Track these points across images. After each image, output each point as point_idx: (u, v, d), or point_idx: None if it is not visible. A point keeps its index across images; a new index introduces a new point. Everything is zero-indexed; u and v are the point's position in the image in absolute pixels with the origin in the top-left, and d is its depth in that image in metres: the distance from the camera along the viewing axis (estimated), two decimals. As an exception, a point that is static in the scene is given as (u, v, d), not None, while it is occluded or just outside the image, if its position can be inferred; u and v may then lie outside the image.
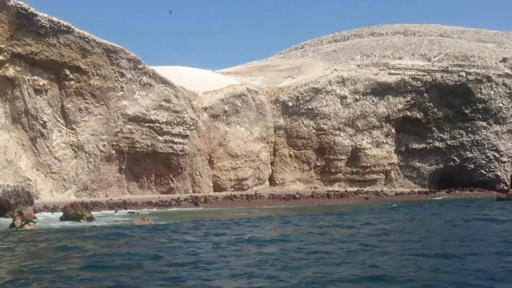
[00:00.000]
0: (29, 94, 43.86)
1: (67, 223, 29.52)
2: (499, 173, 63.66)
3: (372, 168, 63.36)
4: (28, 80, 43.68)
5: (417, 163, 65.02)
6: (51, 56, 44.25)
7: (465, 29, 79.78)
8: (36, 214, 33.26)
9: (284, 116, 61.27)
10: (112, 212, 38.99)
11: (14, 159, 42.92)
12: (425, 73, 64.12)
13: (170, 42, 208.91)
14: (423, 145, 64.74)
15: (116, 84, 48.03)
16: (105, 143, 47.70)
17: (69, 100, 46.17)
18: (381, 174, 64.02)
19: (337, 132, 61.93)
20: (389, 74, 64.15)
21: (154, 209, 41.90)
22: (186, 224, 28.49)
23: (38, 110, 44.43)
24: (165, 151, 50.80)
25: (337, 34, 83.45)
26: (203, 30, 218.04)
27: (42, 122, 44.57)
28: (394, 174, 65.00)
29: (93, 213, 34.16)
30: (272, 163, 61.36)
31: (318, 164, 61.94)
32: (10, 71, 42.46)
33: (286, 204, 48.40)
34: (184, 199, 47.17)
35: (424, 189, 62.58)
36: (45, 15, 43.26)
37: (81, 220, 29.56)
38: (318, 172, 62.28)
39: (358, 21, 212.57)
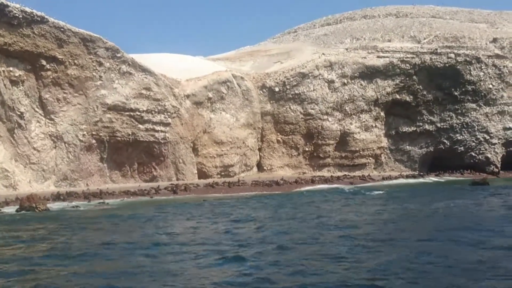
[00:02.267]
0: (4, 85, 43.17)
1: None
2: (489, 155, 62.38)
3: (361, 152, 62.42)
4: (3, 71, 42.98)
5: (408, 147, 63.95)
6: (26, 47, 43.53)
7: (458, 10, 78.03)
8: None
9: (271, 101, 60.45)
10: (83, 203, 38.45)
11: (-9, 150, 42.46)
12: (414, 56, 62.78)
13: (161, 28, 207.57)
14: (413, 128, 63.62)
15: (94, 73, 47.30)
16: (85, 132, 47.08)
17: (47, 91, 45.50)
18: (370, 158, 63.07)
19: (325, 117, 61.06)
20: (378, 57, 62.92)
21: (130, 199, 41.36)
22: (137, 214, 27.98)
23: (14, 101, 43.82)
24: (147, 140, 50.12)
25: (330, 17, 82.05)
26: (196, 16, 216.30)
27: (19, 113, 43.98)
28: (385, 158, 64.00)
29: (59, 203, 34.09)
30: (260, 149, 60.71)
31: (307, 149, 61.19)
32: (-16, 63, 41.84)
33: (268, 191, 47.67)
34: (164, 187, 46.56)
35: (413, 173, 61.40)
36: (17, 5, 42.46)
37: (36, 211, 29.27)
38: (307, 157, 61.50)
39: (353, 3, 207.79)
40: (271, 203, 34.43)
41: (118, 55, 48.59)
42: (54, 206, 36.05)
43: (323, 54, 62.84)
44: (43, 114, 45.62)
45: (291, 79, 60.32)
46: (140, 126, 49.61)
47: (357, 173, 60.71)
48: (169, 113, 51.14)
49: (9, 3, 41.83)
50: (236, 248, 16.99)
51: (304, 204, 33.29)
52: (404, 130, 63.62)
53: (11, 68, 43.54)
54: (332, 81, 61.41)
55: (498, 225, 20.15)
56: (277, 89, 60.09)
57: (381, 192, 41.81)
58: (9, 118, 43.60)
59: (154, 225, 23.95)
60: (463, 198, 33.49)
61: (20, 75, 43.99)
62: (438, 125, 63.03)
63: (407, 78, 62.70)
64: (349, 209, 29.11)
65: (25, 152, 44.47)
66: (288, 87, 60.20)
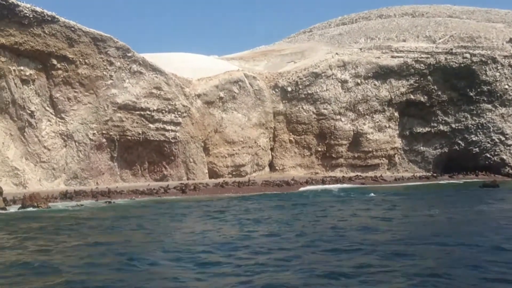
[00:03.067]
0: (15, 84, 43.27)
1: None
2: (504, 157, 61.03)
3: (374, 152, 61.60)
4: (14, 70, 43.04)
5: (422, 147, 62.92)
6: (37, 46, 43.53)
7: (475, 9, 76.49)
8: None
9: (284, 101, 59.98)
10: (90, 201, 38.26)
11: (1, 149, 42.53)
12: (429, 56, 61.71)
13: (178, 28, 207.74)
14: (427, 129, 62.55)
15: (105, 72, 47.20)
16: (95, 131, 47.00)
17: (58, 90, 45.47)
18: (383, 159, 62.18)
19: (338, 117, 60.43)
20: (392, 57, 61.99)
21: (138, 198, 41.04)
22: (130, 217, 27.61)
23: (25, 100, 43.87)
24: (157, 139, 49.93)
25: (346, 17, 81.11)
26: (212, 16, 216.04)
27: (29, 111, 44.03)
28: (398, 158, 63.04)
29: (66, 202, 34.20)
30: (272, 149, 60.27)
31: (319, 149, 60.61)
32: (-6, 62, 41.89)
33: (278, 190, 47.12)
34: (173, 187, 46.18)
35: (426, 174, 60.34)
36: (28, 5, 42.47)
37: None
38: (319, 158, 60.92)
39: (370, 2, 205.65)
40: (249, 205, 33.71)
41: (129, 54, 48.44)
42: (60, 205, 35.98)
43: (337, 54, 62.16)
44: (53, 113, 45.62)
45: (304, 79, 59.78)
46: (151, 125, 49.42)
47: (370, 173, 59.86)
48: (179, 113, 50.89)
49: (19, 3, 41.84)
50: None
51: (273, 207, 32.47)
52: (418, 131, 62.61)
53: (22, 67, 43.60)
54: (346, 81, 60.71)
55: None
56: (289, 89, 59.60)
57: (373, 195, 39.78)
58: (20, 117, 43.68)
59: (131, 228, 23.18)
60: (463, 203, 32.11)
61: (31, 74, 44.02)
62: (453, 125, 61.89)
63: (422, 78, 61.67)
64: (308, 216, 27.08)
65: (36, 151, 44.51)
66: (301, 87, 59.70)
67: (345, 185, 50.57)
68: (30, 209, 31.55)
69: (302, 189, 47.75)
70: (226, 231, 21.57)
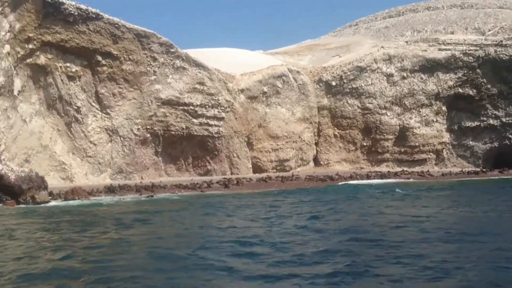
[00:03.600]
0: (62, 80, 44.01)
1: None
2: (557, 151, 58.60)
3: (421, 147, 60.20)
4: (60, 67, 43.77)
5: (471, 142, 61.03)
6: (82, 43, 44.12)
7: (528, 0, 73.64)
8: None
9: (328, 95, 59.39)
10: (134, 196, 38.44)
11: (49, 144, 43.29)
12: (478, 48, 59.77)
13: (224, 24, 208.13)
14: (476, 123, 60.60)
15: (148, 68, 47.51)
16: (139, 126, 47.41)
17: (103, 85, 46.04)
18: (431, 153, 60.63)
19: (384, 111, 59.39)
20: (439, 50, 60.34)
21: (181, 192, 41.00)
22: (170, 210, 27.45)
23: (71, 96, 44.56)
24: (201, 134, 50.05)
25: (393, 9, 79.33)
26: (258, 10, 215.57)
27: (76, 107, 44.71)
28: (446, 153, 61.32)
29: (110, 197, 34.62)
30: (316, 144, 59.72)
31: (365, 144, 59.76)
32: (42, 59, 42.64)
33: (322, 185, 46.44)
34: (217, 181, 46.04)
35: (475, 169, 58.45)
36: (73, 3, 43.05)
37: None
38: (365, 152, 60.07)
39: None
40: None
41: (172, 50, 48.60)
42: (104, 198, 36.28)
43: (382, 47, 60.95)
44: (99, 109, 46.18)
45: (349, 73, 58.98)
46: (194, 120, 49.52)
47: (417, 168, 58.47)
48: (222, 108, 50.84)
49: (64, 1, 42.40)
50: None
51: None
52: (467, 125, 60.76)
53: (68, 64, 44.25)
54: (391, 75, 59.54)
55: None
56: (334, 83, 58.93)
57: (400, 191, 36.87)
58: (67, 113, 44.40)
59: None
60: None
61: (76, 70, 44.67)
62: (503, 119, 59.80)
63: (470, 71, 59.80)
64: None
65: (82, 146, 45.20)
66: (345, 81, 58.95)
67: (390, 180, 49.43)
68: (71, 202, 31.85)
69: (341, 183, 46.90)
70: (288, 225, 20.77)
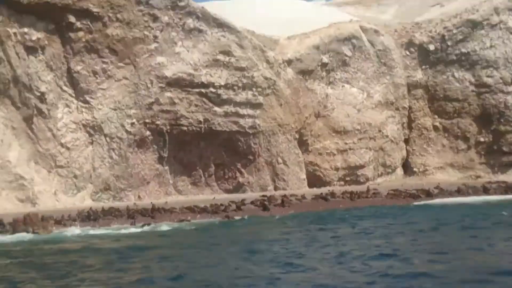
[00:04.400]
0: (17, 54, 43.84)
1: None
2: None
3: None
4: (14, 34, 43.65)
5: None
6: (46, -3, 44.07)
7: None
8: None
9: (423, 67, 59.93)
10: (124, 226, 37.66)
11: (-1, 148, 43.26)
12: None
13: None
14: None
15: (146, 32, 47.41)
16: (134, 120, 47.23)
17: (78, 60, 45.89)
18: None
19: (511, 89, 58.83)
20: None
21: (196, 220, 39.86)
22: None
23: (32, 77, 44.32)
24: (227, 129, 50.00)
25: None
26: None
27: (39, 93, 44.50)
28: None
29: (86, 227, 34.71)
30: (406, 141, 59.94)
31: (482, 140, 60.02)
32: (-15, 23, 42.81)
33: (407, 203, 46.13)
34: (251, 201, 45.10)
35: None
36: None
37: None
38: (482, 153, 60.33)
39: None
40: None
41: (181, 4, 48.45)
42: (77, 231, 35.68)
43: (507, -10, 60.24)
44: (73, 95, 46.13)
45: (455, 31, 59.20)
46: (217, 109, 49.42)
47: None
48: (260, 89, 50.77)
49: None
50: None
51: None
52: None
53: (25, 29, 44.14)
54: (523, 32, 59.31)
55: None
56: (432, 48, 59.32)
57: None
58: (25, 102, 44.16)
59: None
60: None
61: (38, 38, 44.54)
62: None
63: None
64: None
65: (49, 151, 45.05)
66: (450, 43, 59.33)
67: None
68: (22, 236, 31.78)
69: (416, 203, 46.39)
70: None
